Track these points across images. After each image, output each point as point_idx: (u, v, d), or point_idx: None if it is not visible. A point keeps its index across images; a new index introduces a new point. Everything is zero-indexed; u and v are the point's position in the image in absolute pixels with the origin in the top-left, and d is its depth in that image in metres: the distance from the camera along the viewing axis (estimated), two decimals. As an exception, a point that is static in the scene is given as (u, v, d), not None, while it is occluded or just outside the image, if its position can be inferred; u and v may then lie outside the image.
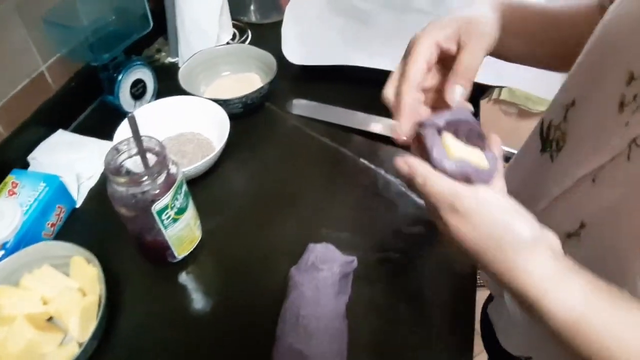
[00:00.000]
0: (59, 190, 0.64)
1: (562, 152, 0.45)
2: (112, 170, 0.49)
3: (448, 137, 0.37)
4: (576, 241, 0.41)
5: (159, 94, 0.82)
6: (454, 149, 0.36)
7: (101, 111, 0.81)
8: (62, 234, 0.65)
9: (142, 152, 0.51)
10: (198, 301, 0.57)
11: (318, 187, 0.69)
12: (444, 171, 0.35)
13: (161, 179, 0.50)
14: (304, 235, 0.62)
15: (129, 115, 0.49)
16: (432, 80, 0.44)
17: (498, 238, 0.34)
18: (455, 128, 0.38)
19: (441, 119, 0.38)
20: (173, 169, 0.52)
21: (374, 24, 0.85)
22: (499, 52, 0.47)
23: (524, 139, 0.58)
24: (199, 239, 0.61)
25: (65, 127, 0.78)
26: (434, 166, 0.36)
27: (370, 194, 0.68)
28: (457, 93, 0.40)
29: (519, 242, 0.34)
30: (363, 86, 0.82)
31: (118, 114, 0.76)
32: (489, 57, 0.69)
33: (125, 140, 0.51)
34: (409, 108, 0.40)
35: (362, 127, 0.76)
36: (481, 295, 0.63)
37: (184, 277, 0.59)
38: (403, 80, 0.41)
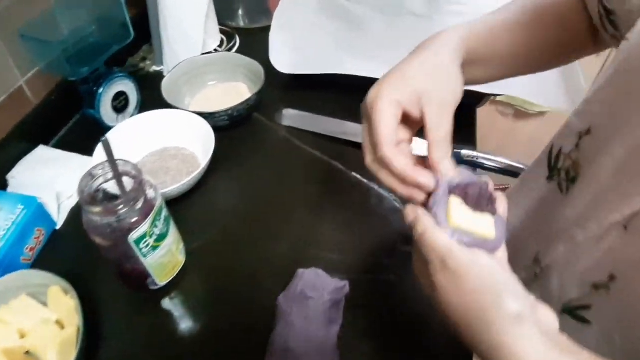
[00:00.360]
0: (37, 213, 0.61)
1: (577, 185, 0.42)
2: (86, 199, 0.46)
3: (454, 202, 0.36)
4: (605, 294, 0.37)
5: (144, 105, 0.79)
6: (455, 216, 0.35)
7: (83, 125, 0.78)
8: (42, 258, 0.62)
9: (118, 176, 0.48)
10: (182, 328, 0.55)
11: (308, 204, 0.66)
12: None
13: (138, 205, 0.48)
14: (293, 256, 0.60)
15: (103, 139, 0.46)
16: (403, 135, 0.42)
17: (483, 309, 0.31)
18: (464, 192, 0.36)
19: (450, 182, 0.36)
20: (151, 193, 0.49)
21: (367, 29, 0.82)
22: (472, 83, 0.45)
23: (521, 141, 0.55)
24: (183, 263, 0.58)
25: (46, 143, 0.75)
26: None
27: (363, 210, 0.65)
28: (447, 168, 0.38)
29: (504, 317, 0.31)
30: (356, 95, 0.77)
31: (100, 129, 0.73)
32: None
33: (101, 165, 0.49)
34: (410, 169, 0.38)
35: (355, 138, 0.73)
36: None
37: (167, 304, 0.57)
38: (380, 146, 0.38)
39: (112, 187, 0.50)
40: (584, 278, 0.38)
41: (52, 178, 0.67)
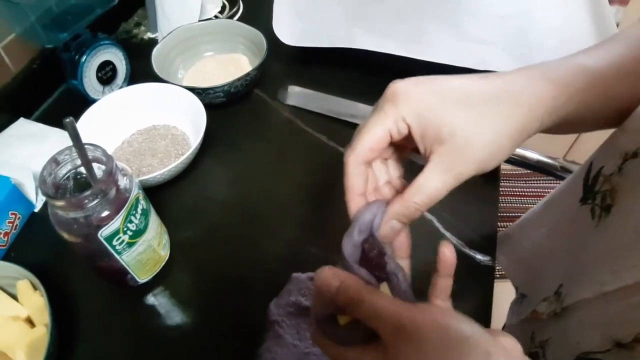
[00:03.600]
0: (12, 195, 0.56)
1: (611, 216, 0.35)
2: (48, 191, 0.40)
3: None
4: (627, 356, 0.32)
5: (135, 76, 0.72)
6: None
7: (68, 97, 0.72)
8: (19, 244, 0.57)
9: (86, 163, 0.42)
10: (165, 329, 0.50)
11: (311, 196, 0.60)
12: None
13: (109, 197, 0.41)
14: (290, 255, 0.54)
15: (66, 120, 0.39)
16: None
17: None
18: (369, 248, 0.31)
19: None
20: (124, 183, 0.43)
21: (383, -3, 0.73)
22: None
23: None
24: (166, 258, 0.52)
25: (28, 116, 0.69)
26: None
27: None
28: (385, 231, 0.31)
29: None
30: (367, 72, 0.71)
31: (86, 101, 0.67)
32: (517, 42, 0.55)
33: (67, 149, 0.42)
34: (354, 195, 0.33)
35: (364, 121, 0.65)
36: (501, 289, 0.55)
37: (149, 301, 0.52)
38: (348, 153, 0.33)
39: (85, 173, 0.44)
40: (607, 331, 0.33)
41: (30, 155, 0.62)
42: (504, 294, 0.64)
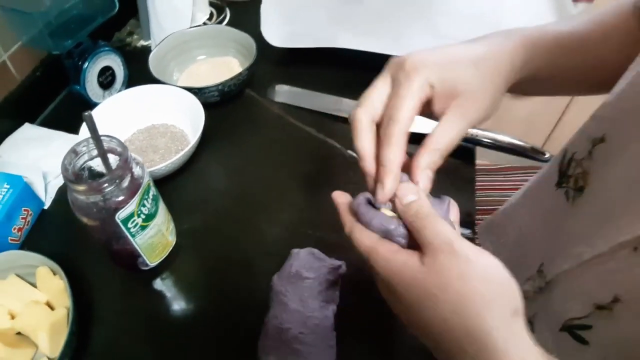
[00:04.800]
0: (24, 192, 0.60)
1: (584, 197, 0.39)
2: (70, 177, 0.44)
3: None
4: (607, 316, 0.35)
5: (131, 81, 0.76)
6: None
7: (70, 102, 0.76)
8: (31, 238, 0.61)
9: (102, 153, 0.46)
10: (175, 309, 0.54)
11: (303, 183, 0.65)
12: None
13: (124, 184, 0.46)
14: (287, 236, 0.58)
15: (85, 114, 0.44)
16: None
17: (488, 298, 0.28)
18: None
19: None
20: (137, 171, 0.48)
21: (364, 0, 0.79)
22: (515, 93, 0.40)
23: (517, 118, 0.53)
24: (173, 244, 0.56)
25: (32, 120, 0.73)
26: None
27: (360, 189, 0.63)
28: (424, 180, 0.34)
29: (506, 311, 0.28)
30: (350, 70, 0.76)
31: (87, 106, 0.71)
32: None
33: (84, 141, 0.47)
34: (399, 158, 0.34)
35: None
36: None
37: (159, 284, 0.56)
38: (393, 125, 0.33)
39: (97, 165, 0.49)
40: (588, 297, 0.36)
41: (38, 157, 0.66)
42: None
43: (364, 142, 0.35)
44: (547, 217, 0.46)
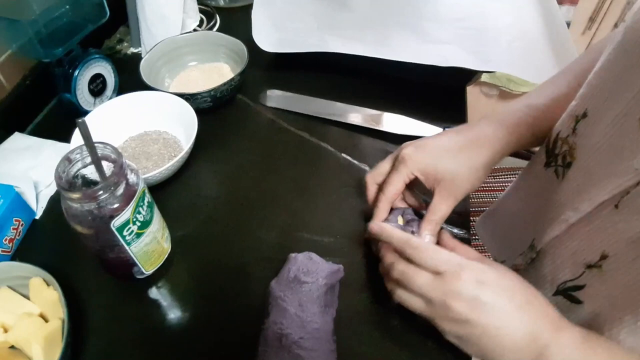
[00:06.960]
0: (15, 202, 0.59)
1: (571, 169, 0.41)
2: (64, 185, 0.44)
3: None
4: (597, 273, 0.38)
5: (121, 88, 0.76)
6: None
7: (60, 111, 0.75)
8: (22, 249, 0.60)
9: (96, 160, 0.46)
10: (171, 318, 0.53)
11: (297, 187, 0.65)
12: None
13: (119, 191, 0.45)
14: (283, 241, 0.58)
15: (79, 120, 0.43)
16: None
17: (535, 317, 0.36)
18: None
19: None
20: (132, 178, 0.47)
21: (351, 6, 0.80)
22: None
23: None
24: (169, 251, 0.56)
25: (22, 130, 0.72)
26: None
27: (354, 192, 0.63)
28: (428, 240, 0.49)
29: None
30: (341, 74, 0.77)
31: (78, 114, 0.70)
32: (473, 40, 0.64)
33: (78, 148, 0.46)
34: (383, 213, 0.53)
35: (341, 118, 0.71)
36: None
37: (154, 293, 0.55)
38: (382, 196, 0.52)
39: (91, 173, 0.48)
40: (577, 258, 0.38)
41: (29, 166, 0.65)
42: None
43: (370, 195, 0.55)
44: (539, 197, 0.49)
